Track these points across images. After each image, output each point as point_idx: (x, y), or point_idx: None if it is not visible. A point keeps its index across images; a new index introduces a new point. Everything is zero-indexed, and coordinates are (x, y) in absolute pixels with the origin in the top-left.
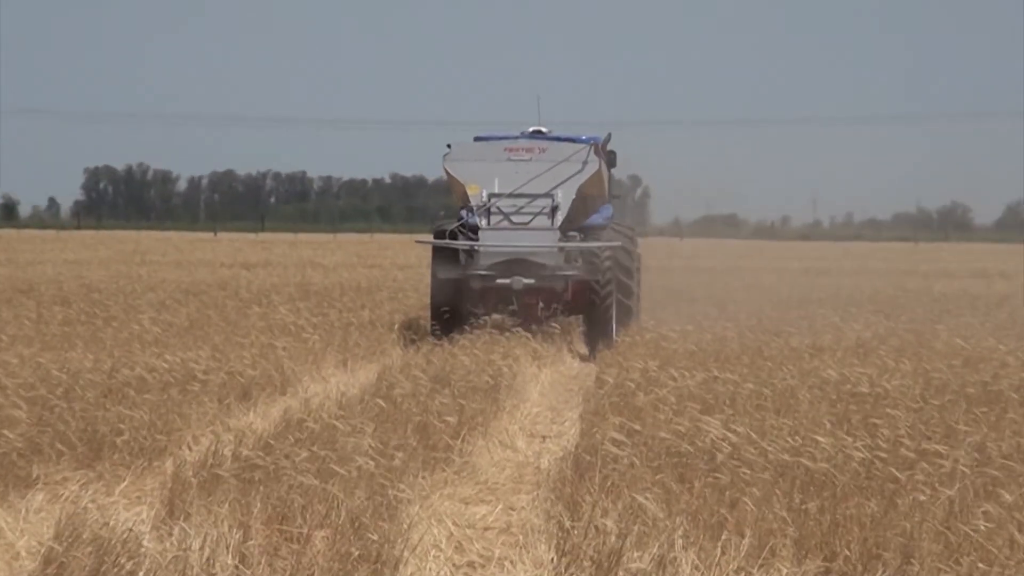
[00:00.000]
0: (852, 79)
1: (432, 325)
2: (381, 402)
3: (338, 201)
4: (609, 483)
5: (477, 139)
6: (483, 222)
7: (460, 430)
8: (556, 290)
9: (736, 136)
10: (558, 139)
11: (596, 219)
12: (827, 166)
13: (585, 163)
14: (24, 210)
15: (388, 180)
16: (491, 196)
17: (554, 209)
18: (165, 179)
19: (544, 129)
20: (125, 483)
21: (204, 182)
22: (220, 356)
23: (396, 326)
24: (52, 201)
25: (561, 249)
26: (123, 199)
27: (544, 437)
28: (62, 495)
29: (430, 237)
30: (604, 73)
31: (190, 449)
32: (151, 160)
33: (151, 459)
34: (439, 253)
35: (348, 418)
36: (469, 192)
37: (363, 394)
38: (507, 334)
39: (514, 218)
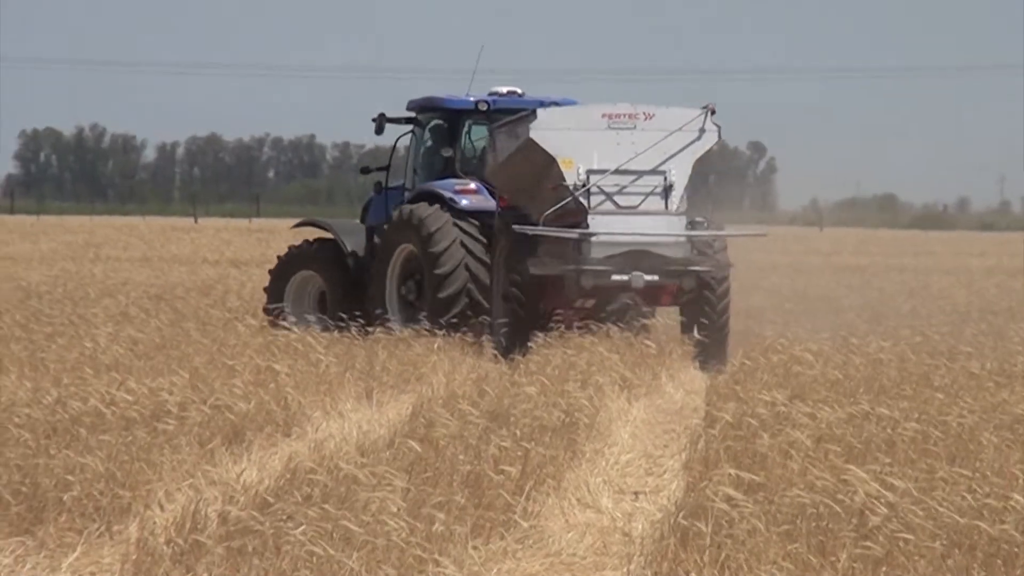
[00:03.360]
0: None
1: (498, 337)
2: (416, 446)
3: (358, 177)
4: (724, 555)
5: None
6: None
7: (524, 484)
8: (683, 289)
9: (893, 90)
10: (663, 106)
11: None
12: (1019, 134)
13: (703, 132)
14: None
15: None
16: (590, 173)
17: (668, 188)
18: (127, 146)
19: (519, 91)
20: (75, 554)
21: (180, 151)
22: (202, 384)
23: (437, 344)
24: None
25: (689, 239)
26: (71, 173)
27: (637, 493)
28: None
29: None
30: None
31: (161, 509)
32: (108, 121)
33: (110, 522)
34: (521, 243)
35: (372, 467)
36: (563, 168)
37: (393, 435)
38: (585, 354)
39: (619, 200)
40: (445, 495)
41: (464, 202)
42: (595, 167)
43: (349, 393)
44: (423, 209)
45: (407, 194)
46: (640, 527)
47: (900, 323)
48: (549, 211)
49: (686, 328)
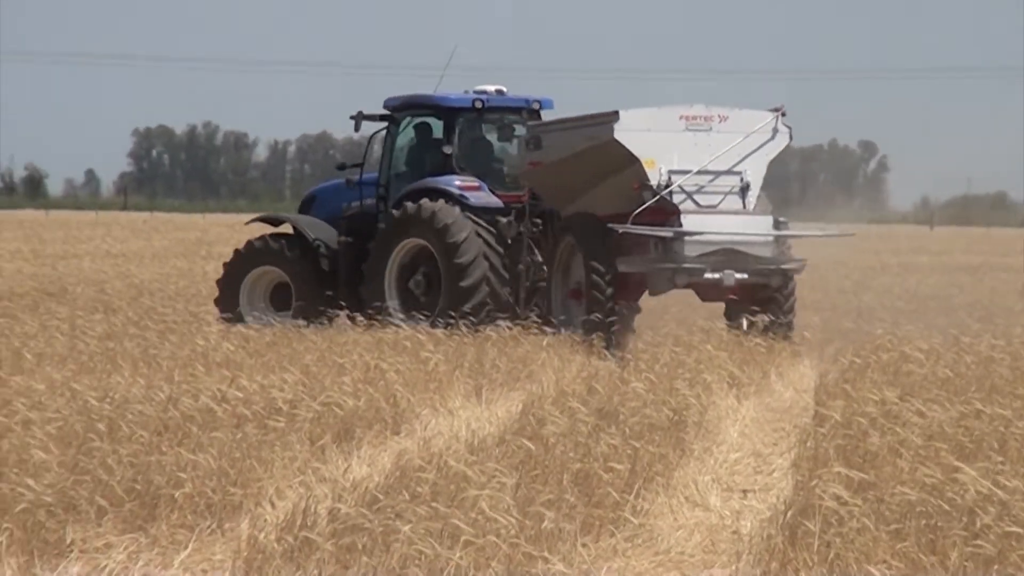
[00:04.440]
0: None
1: (608, 333)
2: (528, 443)
3: None
4: (833, 553)
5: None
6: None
7: (633, 482)
8: (771, 287)
9: (1005, 88)
10: (734, 107)
11: None
12: None
13: (775, 133)
14: (54, 186)
15: None
16: (672, 173)
17: (744, 188)
18: (239, 144)
19: (504, 90)
20: (187, 551)
21: (291, 149)
22: (312, 381)
23: (546, 342)
24: (90, 174)
25: (777, 238)
26: (183, 170)
27: (745, 491)
28: (104, 567)
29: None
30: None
31: (272, 506)
32: (221, 119)
33: (221, 519)
34: (600, 240)
35: (482, 465)
36: (646, 168)
37: (502, 433)
38: (694, 353)
39: (699, 199)
40: (555, 493)
41: (473, 198)
42: (675, 167)
43: (458, 391)
44: (434, 204)
45: (381, 189)
46: (749, 525)
47: (1012, 322)
48: (638, 210)
49: (732, 322)
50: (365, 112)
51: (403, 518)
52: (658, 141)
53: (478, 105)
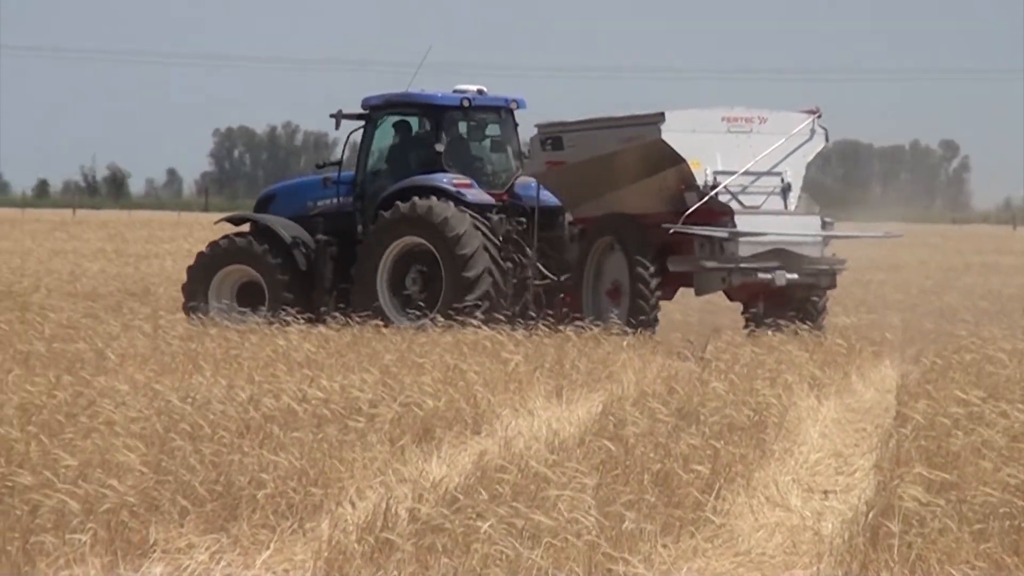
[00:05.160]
0: None
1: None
2: (608, 444)
3: None
4: (914, 554)
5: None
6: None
7: (714, 482)
8: (819, 287)
9: None
10: (771, 110)
11: None
12: None
13: (813, 134)
14: (136, 185)
15: None
16: (716, 174)
17: (785, 189)
18: (319, 144)
19: (485, 89)
20: (268, 551)
21: None
22: (392, 381)
23: (627, 342)
24: (172, 174)
25: (824, 238)
26: (264, 171)
27: (827, 492)
28: (186, 567)
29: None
30: None
31: (353, 506)
32: (300, 118)
33: (302, 519)
34: (645, 239)
35: (562, 465)
36: (693, 169)
37: (583, 433)
38: (774, 353)
39: (743, 200)
40: (635, 493)
41: (469, 195)
42: (719, 168)
43: (539, 391)
44: (428, 201)
45: (358, 188)
46: (830, 526)
47: None
48: (690, 210)
49: (753, 321)
50: (344, 111)
51: (483, 518)
52: (702, 142)
53: (465, 104)
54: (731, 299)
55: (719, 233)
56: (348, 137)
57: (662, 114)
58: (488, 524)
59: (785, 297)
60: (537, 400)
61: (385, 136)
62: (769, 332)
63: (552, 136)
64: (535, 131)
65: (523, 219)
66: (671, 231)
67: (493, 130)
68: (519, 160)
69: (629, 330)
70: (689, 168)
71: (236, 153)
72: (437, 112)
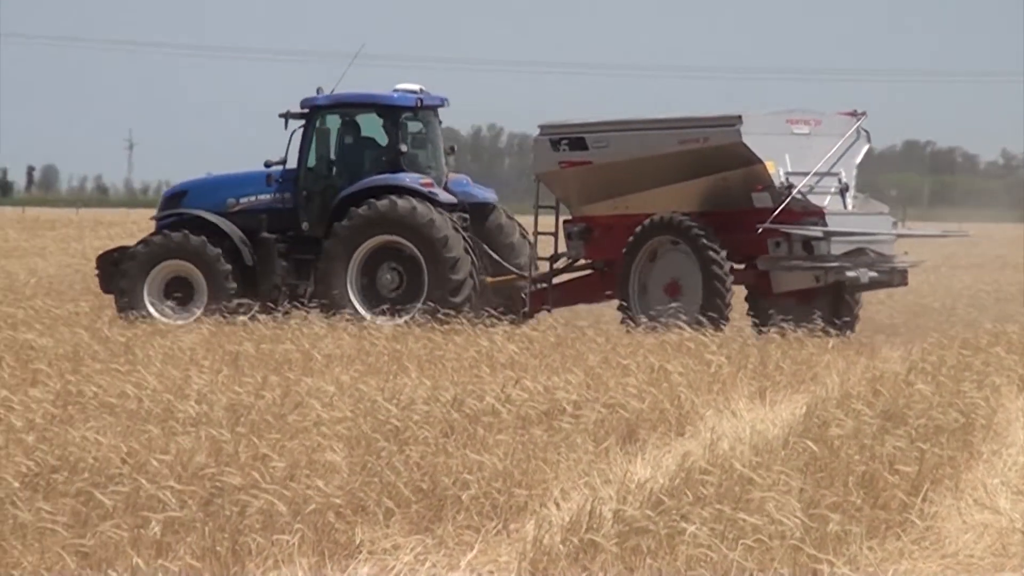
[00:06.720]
0: None
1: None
2: (812, 445)
3: None
4: None
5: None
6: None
7: (920, 484)
8: (893, 284)
9: None
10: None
11: None
12: None
13: (859, 135)
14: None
15: None
16: (788, 175)
17: (844, 189)
18: (523, 146)
19: (424, 88)
20: (473, 552)
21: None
22: (596, 382)
23: (831, 343)
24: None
25: (897, 237)
26: (469, 172)
27: None
28: (392, 568)
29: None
30: None
31: (557, 507)
32: (505, 121)
33: (507, 521)
34: (708, 237)
35: (766, 467)
36: (769, 170)
37: (787, 435)
38: (981, 355)
39: (811, 200)
40: (840, 495)
41: (441, 195)
42: (789, 170)
43: (742, 392)
44: (407, 201)
45: (301, 186)
46: None
47: None
48: (778, 209)
49: (764, 320)
50: (292, 111)
51: (688, 520)
52: (774, 144)
53: (418, 104)
54: (767, 297)
55: (814, 232)
56: (291, 136)
57: (739, 116)
58: (693, 526)
59: (813, 296)
60: (740, 401)
61: (330, 135)
62: (774, 329)
63: (570, 137)
64: (537, 131)
65: (466, 215)
66: (760, 230)
67: (433, 129)
68: (447, 157)
69: (832, 331)
70: (766, 169)
71: None
72: (394, 112)
